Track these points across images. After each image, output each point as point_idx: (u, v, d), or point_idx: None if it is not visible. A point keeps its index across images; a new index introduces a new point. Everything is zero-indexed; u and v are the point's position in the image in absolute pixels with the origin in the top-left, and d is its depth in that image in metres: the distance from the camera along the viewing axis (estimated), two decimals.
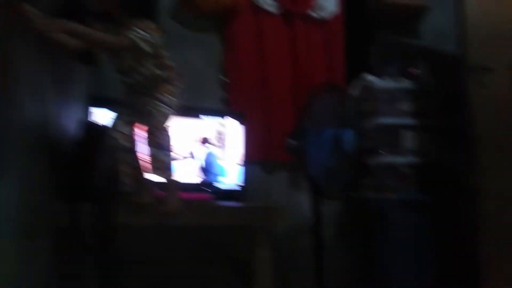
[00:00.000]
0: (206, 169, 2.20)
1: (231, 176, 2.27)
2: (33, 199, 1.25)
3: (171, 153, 1.47)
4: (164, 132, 1.45)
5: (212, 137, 2.23)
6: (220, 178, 2.23)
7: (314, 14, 2.73)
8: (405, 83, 2.43)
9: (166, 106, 1.48)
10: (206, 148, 2.21)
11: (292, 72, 2.70)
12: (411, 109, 2.40)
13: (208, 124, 2.24)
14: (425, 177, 2.38)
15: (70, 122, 1.72)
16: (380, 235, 2.25)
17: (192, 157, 2.17)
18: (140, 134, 1.53)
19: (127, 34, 1.35)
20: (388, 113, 2.36)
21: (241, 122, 2.33)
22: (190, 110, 2.19)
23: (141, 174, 1.53)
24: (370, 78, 2.42)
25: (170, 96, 1.51)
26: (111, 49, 1.44)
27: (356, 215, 2.50)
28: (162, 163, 1.44)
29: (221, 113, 2.36)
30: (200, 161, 2.19)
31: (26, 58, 1.17)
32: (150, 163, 1.46)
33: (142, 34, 1.37)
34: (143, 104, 1.51)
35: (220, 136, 2.28)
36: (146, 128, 1.49)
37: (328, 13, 2.74)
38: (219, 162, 2.23)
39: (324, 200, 2.03)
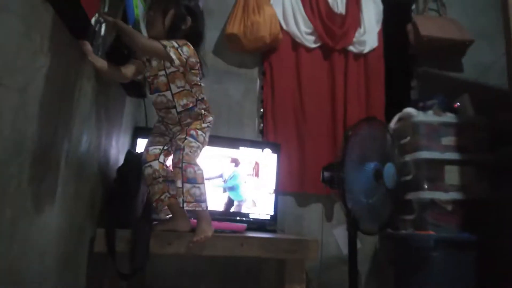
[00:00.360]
0: (231, 188, 2.23)
1: (264, 206, 2.27)
2: (75, 224, 1.33)
3: (203, 186, 1.48)
4: (195, 167, 1.45)
5: (243, 161, 2.27)
6: (242, 203, 2.24)
7: (353, 49, 2.75)
8: (449, 117, 2.35)
9: (196, 141, 1.49)
10: (235, 169, 2.25)
11: (330, 105, 2.71)
12: (455, 143, 2.30)
13: (245, 154, 2.28)
14: (469, 214, 2.24)
15: (116, 152, 1.83)
16: (419, 274, 2.12)
17: (222, 176, 2.21)
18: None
19: (163, 42, 1.38)
20: (431, 147, 2.28)
21: (277, 153, 2.36)
22: (229, 141, 2.26)
23: (177, 203, 1.56)
24: (412, 111, 2.37)
25: (201, 131, 1.53)
26: (148, 53, 1.46)
27: (393, 252, 2.39)
28: (193, 196, 1.45)
29: (258, 144, 2.40)
30: (227, 180, 2.22)
31: (84, 92, 1.28)
32: (183, 196, 1.46)
33: (175, 44, 1.40)
34: (175, 137, 1.54)
35: (256, 166, 2.31)
36: (176, 161, 1.49)
37: (368, 47, 2.76)
38: (244, 185, 2.25)
39: (361, 235, 1.97)
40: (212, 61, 2.65)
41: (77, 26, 1.19)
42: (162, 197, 1.53)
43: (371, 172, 1.86)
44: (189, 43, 1.46)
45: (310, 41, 2.72)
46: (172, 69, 1.46)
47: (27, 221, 0.96)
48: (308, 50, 2.73)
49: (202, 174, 1.48)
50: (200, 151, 1.54)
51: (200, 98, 1.55)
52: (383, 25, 2.85)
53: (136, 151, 1.87)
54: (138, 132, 2.14)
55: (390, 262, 2.41)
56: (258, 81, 2.75)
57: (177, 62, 1.40)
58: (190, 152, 1.47)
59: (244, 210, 2.24)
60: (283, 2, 2.71)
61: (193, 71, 1.49)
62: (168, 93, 1.50)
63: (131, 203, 1.54)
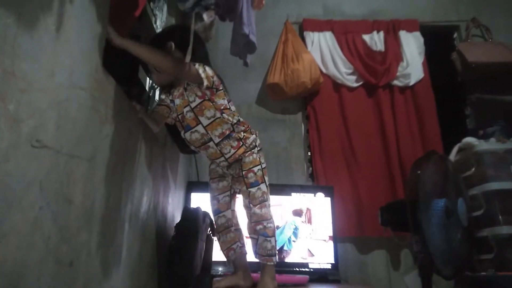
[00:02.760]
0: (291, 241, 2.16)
1: (322, 254, 2.16)
2: (139, 285, 1.33)
3: (274, 239, 1.44)
4: (265, 222, 1.41)
5: (303, 211, 2.20)
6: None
7: (398, 83, 2.70)
8: None
9: (257, 186, 1.42)
10: (298, 220, 2.18)
11: (381, 142, 2.63)
12: None
13: (299, 201, 2.23)
14: None
15: (172, 209, 1.85)
16: None
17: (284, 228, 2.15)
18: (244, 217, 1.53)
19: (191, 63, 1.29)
20: (501, 177, 2.10)
21: (330, 197, 2.28)
22: (281, 188, 2.22)
23: (241, 256, 1.53)
24: (472, 141, 2.22)
25: (254, 166, 1.44)
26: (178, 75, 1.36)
27: None
28: (265, 250, 1.42)
29: (309, 189, 2.34)
30: (290, 232, 2.15)
31: (143, 154, 1.34)
32: (255, 249, 1.45)
33: (207, 69, 1.33)
34: (234, 182, 1.51)
35: (308, 213, 2.23)
36: (248, 223, 1.49)
37: (414, 79, 2.70)
38: (301, 236, 2.17)
39: (435, 281, 1.79)
40: (256, 111, 2.71)
41: (135, 93, 1.27)
42: (234, 246, 1.52)
43: (442, 209, 1.72)
44: (206, 65, 1.37)
45: (351, 80, 2.71)
46: (197, 101, 1.37)
47: (97, 286, 0.96)
48: (351, 89, 2.72)
49: (272, 227, 1.44)
50: (266, 186, 1.47)
51: (235, 121, 1.44)
52: (427, 57, 2.79)
53: (191, 206, 1.89)
54: (191, 186, 2.18)
55: None
56: (302, 125, 2.75)
57: (206, 82, 1.31)
58: (257, 208, 1.43)
59: (298, 259, 2.13)
60: (320, 47, 2.76)
61: (219, 92, 1.39)
62: (199, 127, 1.39)
63: (191, 260, 1.53)
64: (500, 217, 2.07)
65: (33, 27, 0.69)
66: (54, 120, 0.76)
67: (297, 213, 2.22)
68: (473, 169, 2.19)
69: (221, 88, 1.41)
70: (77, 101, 0.85)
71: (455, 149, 2.31)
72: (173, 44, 1.37)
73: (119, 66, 1.10)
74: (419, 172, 1.66)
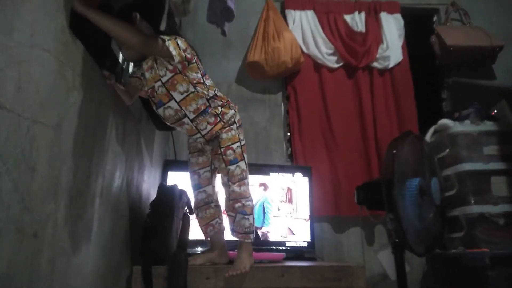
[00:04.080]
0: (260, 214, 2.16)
1: (300, 233, 2.18)
2: (111, 263, 1.30)
3: (252, 217, 1.43)
4: (243, 200, 1.40)
5: (272, 186, 2.20)
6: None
7: (377, 65, 2.71)
8: (488, 125, 2.23)
9: (236, 163, 1.39)
10: (264, 193, 2.18)
11: (359, 123, 2.64)
12: (498, 152, 2.16)
13: (276, 180, 2.22)
14: None
15: (148, 186, 1.81)
16: None
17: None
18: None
19: (161, 36, 1.22)
20: (474, 158, 2.15)
21: (308, 177, 2.29)
22: (258, 167, 2.21)
23: (219, 233, 1.52)
24: (448, 122, 2.26)
25: (233, 143, 1.40)
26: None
27: (444, 273, 2.21)
28: (243, 227, 1.41)
29: (288, 169, 2.34)
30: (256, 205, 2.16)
31: (116, 128, 1.28)
32: (233, 225, 1.43)
33: (179, 42, 1.25)
34: (214, 158, 1.47)
35: (289, 192, 2.24)
36: (225, 200, 1.47)
37: (393, 62, 2.71)
38: (271, 210, 2.17)
39: (407, 257, 1.84)
40: (236, 90, 2.67)
41: (107, 65, 1.21)
42: (213, 222, 1.50)
43: (416, 188, 1.75)
44: (178, 36, 1.30)
45: (332, 61, 2.70)
46: (168, 75, 1.29)
47: (64, 261, 0.93)
48: (331, 70, 2.71)
49: (250, 205, 1.43)
50: (245, 163, 1.45)
51: (211, 95, 1.38)
52: (406, 39, 2.80)
53: (168, 184, 1.85)
54: (168, 165, 2.13)
55: (441, 285, 2.23)
56: (282, 105, 2.73)
57: (177, 59, 1.23)
58: (236, 185, 1.41)
59: (278, 238, 2.15)
60: (302, 26, 2.72)
61: (191, 65, 1.32)
62: (172, 103, 1.33)
63: (166, 238, 1.50)
64: (471, 197, 2.13)
65: None
66: (13, 80, 0.70)
67: (263, 185, 2.20)
68: (448, 150, 2.24)
69: (193, 62, 1.33)
70: (40, 63, 0.79)
71: (430, 131, 2.34)
72: (138, 14, 1.27)
73: (89, 30, 1.03)
74: (394, 151, 1.68)
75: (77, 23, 0.95)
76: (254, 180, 2.18)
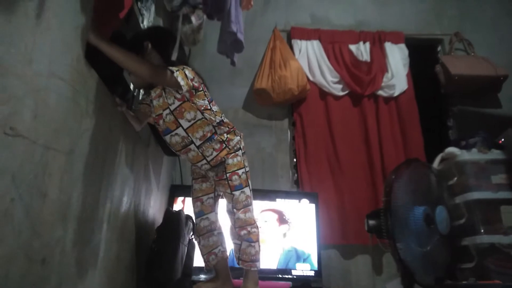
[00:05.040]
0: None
1: (308, 261, 2.14)
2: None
3: (258, 244, 1.41)
4: (249, 227, 1.39)
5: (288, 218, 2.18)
6: (296, 264, 2.11)
7: (383, 93, 2.74)
8: (495, 154, 2.21)
9: (241, 189, 1.39)
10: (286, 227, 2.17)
11: (365, 150, 2.65)
12: (507, 181, 2.14)
13: (283, 206, 2.21)
14: None
15: (154, 211, 1.81)
16: None
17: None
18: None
19: (169, 68, 1.26)
20: (482, 187, 2.13)
21: (315, 203, 2.27)
22: (265, 194, 2.20)
23: (222, 261, 1.50)
24: (455, 150, 2.25)
25: (239, 169, 1.41)
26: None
27: None
28: (249, 255, 1.39)
29: (295, 195, 2.33)
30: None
31: (125, 153, 1.30)
32: (239, 253, 1.42)
33: (186, 72, 1.28)
34: (218, 185, 1.46)
35: (294, 219, 2.21)
36: (231, 227, 1.45)
37: (398, 91, 2.73)
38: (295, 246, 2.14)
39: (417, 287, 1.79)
40: (242, 116, 2.70)
41: (119, 92, 1.24)
42: (215, 250, 1.49)
43: (421, 217, 1.73)
44: (186, 66, 1.34)
45: (337, 89, 2.74)
46: (176, 103, 1.32)
47: (70, 287, 0.92)
48: (337, 98, 2.74)
49: (256, 232, 1.42)
50: (250, 190, 1.45)
51: (217, 122, 1.40)
52: (411, 69, 2.84)
53: (174, 209, 1.85)
54: (174, 190, 2.14)
55: None
56: (288, 132, 2.75)
57: (185, 88, 1.28)
58: (241, 212, 1.40)
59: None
60: (308, 55, 2.78)
61: (198, 93, 1.35)
62: (180, 130, 1.35)
63: (171, 265, 1.48)
64: (481, 226, 2.09)
65: (12, 10, 0.67)
66: (30, 108, 0.73)
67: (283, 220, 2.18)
68: (455, 178, 2.22)
69: (200, 89, 1.36)
70: (56, 91, 0.82)
71: (438, 159, 2.33)
72: (149, 44, 1.32)
73: (103, 60, 1.07)
74: (393, 177, 1.67)
75: (92, 52, 0.99)
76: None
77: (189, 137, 1.37)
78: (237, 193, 1.41)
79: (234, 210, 1.41)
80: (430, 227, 1.74)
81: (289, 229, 2.16)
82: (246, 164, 1.48)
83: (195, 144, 1.38)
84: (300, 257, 2.12)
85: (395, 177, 1.68)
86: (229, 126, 1.45)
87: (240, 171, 1.43)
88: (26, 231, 0.72)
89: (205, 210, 1.50)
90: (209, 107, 1.39)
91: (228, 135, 1.43)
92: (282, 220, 2.17)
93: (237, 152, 1.45)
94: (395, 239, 1.61)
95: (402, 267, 1.68)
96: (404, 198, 1.70)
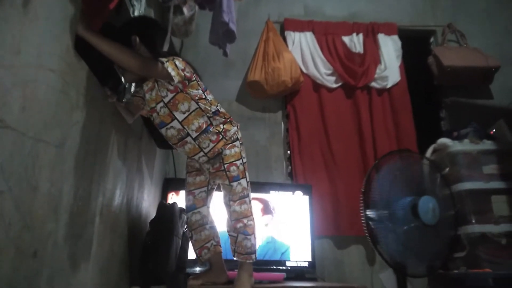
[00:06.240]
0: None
1: (285, 255, 2.14)
2: (109, 283, 1.28)
3: (253, 237, 1.40)
4: (245, 219, 1.38)
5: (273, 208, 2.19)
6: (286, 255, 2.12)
7: (376, 85, 2.74)
8: (487, 144, 2.24)
9: (238, 180, 1.38)
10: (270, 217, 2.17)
11: (358, 142, 2.66)
12: (498, 171, 2.16)
13: (277, 198, 2.21)
14: None
15: (148, 204, 1.81)
16: None
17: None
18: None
19: (160, 59, 1.24)
20: (473, 177, 2.15)
21: (309, 195, 2.28)
22: (259, 186, 2.20)
23: (216, 254, 1.50)
24: (447, 141, 2.27)
25: (236, 159, 1.39)
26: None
27: None
28: (244, 248, 1.38)
29: (289, 187, 2.34)
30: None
31: (117, 146, 1.29)
32: (235, 246, 1.41)
33: (177, 63, 1.26)
34: (215, 178, 1.46)
35: (288, 210, 2.22)
36: (228, 220, 1.44)
37: (391, 82, 2.74)
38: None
39: (409, 278, 1.81)
40: (236, 108, 2.69)
41: (110, 84, 1.23)
42: (207, 245, 1.49)
43: (408, 207, 1.73)
44: (176, 56, 1.31)
45: (331, 81, 2.73)
46: (170, 96, 1.31)
47: (63, 281, 0.92)
48: (330, 90, 2.74)
49: (252, 225, 1.41)
50: (246, 181, 1.43)
51: (212, 111, 1.38)
52: (404, 60, 2.84)
53: (168, 202, 1.84)
54: (168, 183, 2.13)
55: None
56: (282, 124, 2.75)
57: (177, 79, 1.24)
58: (236, 204, 1.39)
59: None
60: (301, 47, 2.76)
61: (191, 83, 1.33)
62: (175, 123, 1.34)
63: (165, 258, 1.48)
64: (472, 216, 2.12)
65: None
66: (19, 100, 0.71)
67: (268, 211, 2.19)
68: (447, 169, 2.24)
69: (193, 79, 1.35)
70: (45, 83, 0.81)
71: (430, 150, 2.35)
72: (137, 38, 1.28)
73: (93, 51, 1.05)
74: (379, 166, 1.67)
75: (82, 44, 0.98)
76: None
77: (184, 130, 1.36)
78: (234, 184, 1.40)
79: (230, 202, 1.41)
80: (418, 218, 1.75)
81: (272, 220, 2.16)
82: (244, 155, 1.47)
83: (191, 137, 1.37)
84: (278, 250, 2.11)
85: (380, 167, 1.68)
86: (225, 116, 1.44)
87: (238, 162, 1.42)
88: (16, 224, 0.71)
89: (197, 204, 1.50)
90: (203, 96, 1.37)
91: (224, 126, 1.42)
92: (266, 210, 2.17)
93: (234, 143, 1.43)
94: (372, 231, 1.61)
95: (388, 257, 1.69)
96: (391, 189, 1.70)
